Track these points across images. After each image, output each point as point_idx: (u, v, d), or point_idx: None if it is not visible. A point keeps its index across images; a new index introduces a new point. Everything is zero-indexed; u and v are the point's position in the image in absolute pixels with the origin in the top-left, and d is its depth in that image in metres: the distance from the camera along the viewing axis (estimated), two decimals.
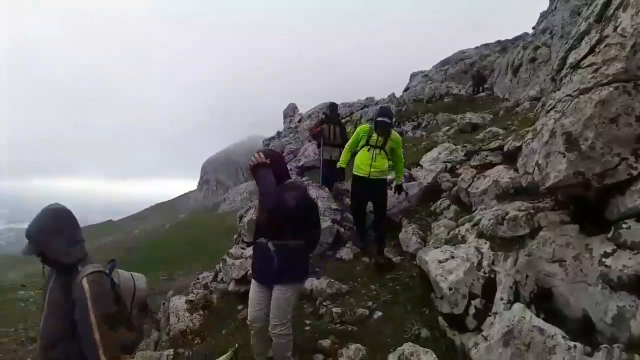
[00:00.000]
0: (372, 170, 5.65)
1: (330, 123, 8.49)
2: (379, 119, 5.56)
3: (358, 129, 5.96)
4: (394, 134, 5.80)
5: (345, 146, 6.15)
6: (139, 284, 2.41)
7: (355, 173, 5.83)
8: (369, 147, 5.71)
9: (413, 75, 35.51)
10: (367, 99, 24.99)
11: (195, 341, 5.81)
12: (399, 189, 6.06)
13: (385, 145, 5.69)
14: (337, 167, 6.35)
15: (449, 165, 6.80)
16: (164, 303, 7.29)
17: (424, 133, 12.84)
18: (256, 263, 3.53)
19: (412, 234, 5.65)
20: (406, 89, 30.72)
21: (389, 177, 6.21)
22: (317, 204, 3.65)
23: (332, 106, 8.95)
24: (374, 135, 5.67)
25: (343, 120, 13.66)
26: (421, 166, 7.10)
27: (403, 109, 20.45)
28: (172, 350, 5.38)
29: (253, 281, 3.56)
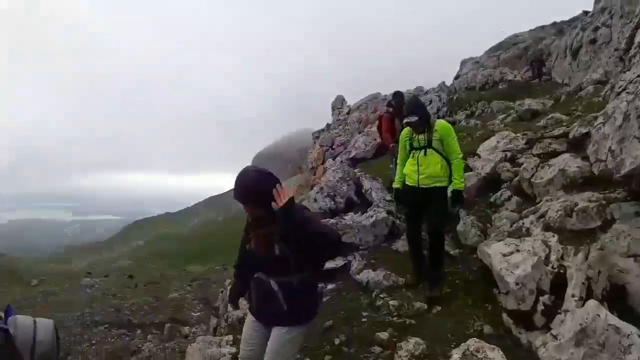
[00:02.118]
0: (420, 176, 4.62)
1: (401, 117, 7.37)
2: (405, 121, 4.70)
3: (401, 136, 5.01)
4: (439, 123, 4.74)
5: (397, 161, 5.14)
6: (41, 334, 1.87)
7: (407, 184, 4.87)
8: (413, 150, 4.75)
9: (463, 62, 34.32)
10: (416, 88, 24.44)
11: None
12: (455, 197, 4.63)
13: (432, 142, 4.62)
14: (394, 188, 5.19)
15: (509, 154, 6.49)
16: (222, 291, 7.51)
17: (479, 122, 12.40)
18: (255, 301, 2.82)
19: (471, 226, 5.47)
20: (457, 77, 29.77)
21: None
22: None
23: (399, 96, 7.46)
24: (415, 135, 4.72)
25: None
26: (478, 156, 6.83)
27: (455, 97, 19.84)
28: (231, 336, 5.56)
29: (250, 315, 2.94)
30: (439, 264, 4.83)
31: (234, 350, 5.00)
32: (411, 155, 4.78)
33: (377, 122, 9.48)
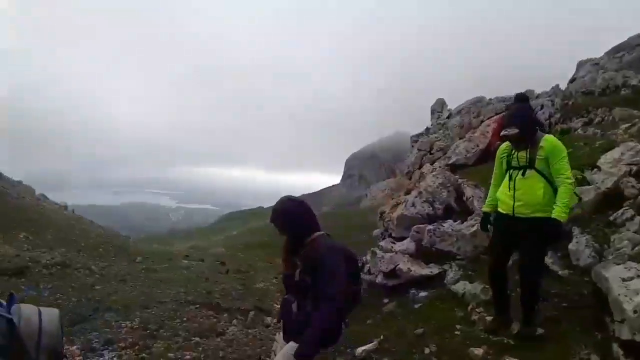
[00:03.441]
0: (515, 203, 3.84)
1: None
2: (502, 133, 3.88)
3: (497, 151, 4.22)
4: (546, 138, 3.82)
5: (492, 181, 4.32)
6: (47, 324, 1.74)
7: (499, 210, 4.12)
8: (510, 170, 3.95)
9: (580, 64, 31.34)
10: (525, 91, 22.88)
11: None
12: (551, 229, 3.67)
13: (534, 162, 3.79)
14: (482, 211, 4.43)
15: (635, 168, 5.78)
16: None
17: (598, 131, 11.23)
18: (279, 318, 3.04)
19: (585, 245, 4.95)
20: (572, 80, 27.31)
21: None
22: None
23: (519, 101, 6.03)
24: (514, 152, 3.93)
25: (495, 118, 12.23)
26: (598, 168, 6.17)
27: (570, 102, 18.19)
28: None
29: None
30: (533, 307, 4.06)
31: None
32: (507, 175, 3.97)
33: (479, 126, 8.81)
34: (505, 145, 4.06)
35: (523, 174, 3.80)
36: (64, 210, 31.01)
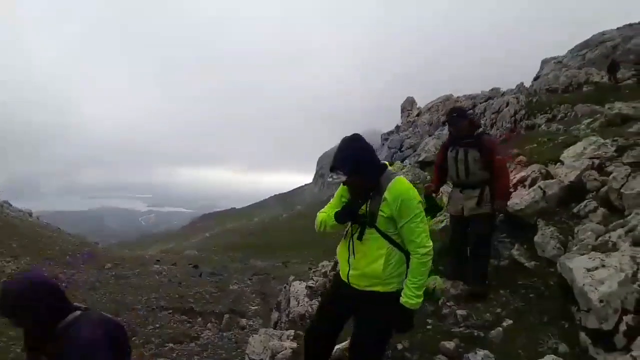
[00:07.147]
0: (351, 271, 2.79)
1: (455, 145, 4.82)
2: (332, 164, 2.69)
3: (339, 189, 2.97)
4: (393, 185, 2.60)
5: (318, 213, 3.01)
6: None
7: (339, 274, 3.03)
8: (350, 225, 2.82)
9: (544, 62, 32.36)
10: (491, 90, 23.35)
11: None
12: (402, 317, 2.70)
13: (375, 218, 2.64)
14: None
15: (597, 161, 5.96)
16: (285, 286, 7.69)
17: (561, 126, 11.60)
18: None
19: (550, 237, 5.08)
20: (536, 78, 28.17)
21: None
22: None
23: (454, 114, 4.85)
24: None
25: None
26: (562, 162, 6.35)
27: (534, 100, 18.75)
28: (292, 331, 5.64)
29: None
30: None
31: (294, 345, 5.05)
32: (345, 232, 2.87)
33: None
34: (344, 189, 2.89)
35: (360, 236, 2.70)
36: (28, 218, 29.95)
